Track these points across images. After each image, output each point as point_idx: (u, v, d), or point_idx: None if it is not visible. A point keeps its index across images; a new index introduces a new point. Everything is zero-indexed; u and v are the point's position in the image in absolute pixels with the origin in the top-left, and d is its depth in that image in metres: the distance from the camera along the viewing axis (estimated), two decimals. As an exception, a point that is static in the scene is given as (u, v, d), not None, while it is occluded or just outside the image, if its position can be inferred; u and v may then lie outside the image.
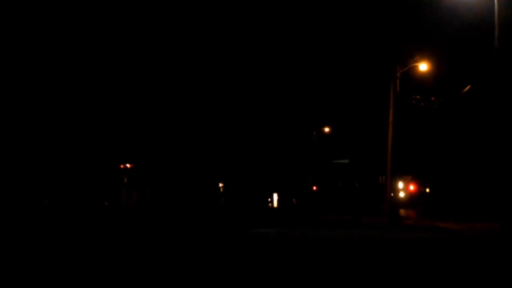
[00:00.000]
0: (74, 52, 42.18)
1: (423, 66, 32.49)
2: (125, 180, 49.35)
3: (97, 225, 29.45)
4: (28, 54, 40.51)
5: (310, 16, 41.96)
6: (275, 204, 56.07)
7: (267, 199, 55.45)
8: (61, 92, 43.02)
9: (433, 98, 36.22)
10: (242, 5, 42.27)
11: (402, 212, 37.75)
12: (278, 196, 55.68)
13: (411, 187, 49.95)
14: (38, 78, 41.31)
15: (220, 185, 59.30)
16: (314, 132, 53.60)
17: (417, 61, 32.47)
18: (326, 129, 52.93)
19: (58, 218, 33.69)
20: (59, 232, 23.95)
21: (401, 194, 49.08)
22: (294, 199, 54.15)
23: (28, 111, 41.61)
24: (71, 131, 44.66)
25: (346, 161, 55.29)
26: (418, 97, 36.09)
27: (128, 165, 49.24)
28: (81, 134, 45.41)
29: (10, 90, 40.33)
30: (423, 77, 33.88)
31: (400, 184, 51.25)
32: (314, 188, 57.36)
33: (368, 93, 39.00)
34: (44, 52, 41.16)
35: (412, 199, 47.65)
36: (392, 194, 35.61)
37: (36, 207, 38.81)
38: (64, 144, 44.78)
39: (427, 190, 57.97)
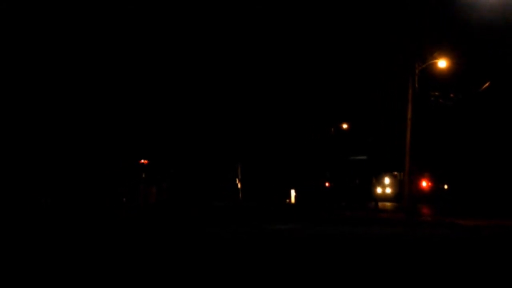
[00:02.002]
0: (84, 52, 42.76)
1: (442, 63, 32.43)
2: (143, 176, 49.93)
3: (115, 221, 29.80)
4: (30, 53, 40.69)
5: (331, 12, 42.11)
6: (292, 200, 56.19)
7: (284, 195, 55.62)
8: (77, 92, 43.48)
9: (452, 95, 36.16)
10: (264, 3, 42.68)
11: (418, 208, 37.74)
12: (295, 192, 55.81)
13: (424, 183, 49.97)
14: (47, 78, 41.67)
15: (237, 181, 59.70)
16: (332, 129, 53.70)
17: (436, 58, 32.46)
18: (344, 126, 52.97)
19: (72, 216, 34.17)
20: (69, 229, 24.39)
21: (388, 190, 49.47)
22: (311, 195, 54.31)
23: (41, 110, 41.93)
24: (90, 131, 45.02)
25: (364, 157, 55.38)
26: (436, 93, 36.03)
27: (144, 161, 49.73)
28: (99, 134, 45.77)
29: (17, 90, 40.59)
30: (442, 74, 33.87)
31: (387, 180, 51.62)
32: (327, 184, 57.47)
33: (386, 89, 39.02)
34: (48, 52, 41.45)
35: (427, 195, 47.68)
36: (409, 191, 35.55)
37: (42, 205, 39.20)
38: (84, 144, 45.11)
39: (446, 186, 57.92)
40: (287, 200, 56.13)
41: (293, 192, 56.24)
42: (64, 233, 22.36)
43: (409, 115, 35.50)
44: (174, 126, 50.56)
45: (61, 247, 17.22)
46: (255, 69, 47.78)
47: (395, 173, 51.59)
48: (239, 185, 59.83)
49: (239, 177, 59.82)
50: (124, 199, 47.19)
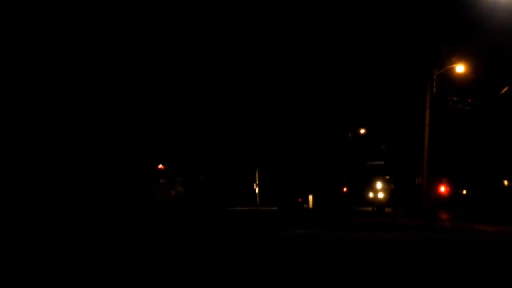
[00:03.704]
0: (93, 53, 42.65)
1: (460, 68, 32.38)
2: (161, 181, 50.29)
3: (121, 224, 29.96)
4: (32, 53, 40.42)
5: (351, 17, 42.13)
6: (310, 204, 56.28)
7: (302, 200, 55.69)
8: (92, 94, 43.57)
9: (469, 100, 36.01)
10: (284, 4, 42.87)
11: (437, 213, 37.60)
12: (313, 197, 55.88)
13: (442, 189, 49.77)
14: (51, 79, 41.51)
15: (255, 186, 59.84)
16: (350, 134, 53.66)
17: (454, 63, 32.41)
18: (362, 131, 52.92)
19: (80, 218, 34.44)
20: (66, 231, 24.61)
21: (380, 195, 49.46)
22: (329, 200, 54.43)
23: (48, 112, 41.92)
24: (105, 135, 45.07)
25: (381, 162, 55.32)
26: (454, 98, 35.89)
27: (161, 166, 49.98)
28: (115, 138, 45.84)
29: (20, 90, 40.55)
30: (459, 79, 33.76)
31: (378, 185, 51.62)
32: (345, 189, 57.49)
33: (404, 94, 38.92)
34: (52, 51, 41.28)
35: (445, 200, 47.56)
36: (427, 196, 35.45)
37: (42, 205, 39.40)
38: (96, 149, 45.11)
39: (464, 191, 57.71)
40: (305, 205, 56.28)
41: (310, 197, 56.40)
42: (61, 234, 22.50)
43: (427, 121, 35.21)
44: (192, 131, 50.88)
45: (56, 248, 17.37)
46: (274, 74, 48.14)
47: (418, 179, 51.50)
48: (256, 190, 59.98)
49: (257, 181, 59.97)
50: (136, 203, 47.35)
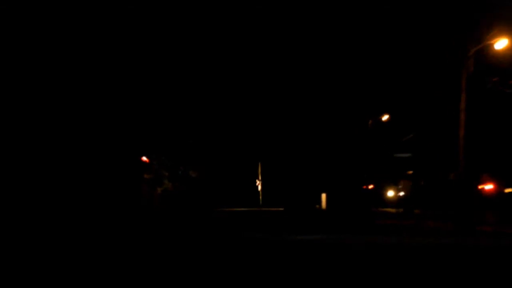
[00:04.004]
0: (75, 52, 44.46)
1: (501, 43, 32.49)
2: (146, 176, 50.63)
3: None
4: (20, 49, 42.30)
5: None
6: (323, 205, 56.50)
7: (313, 200, 55.92)
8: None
9: (512, 82, 36.16)
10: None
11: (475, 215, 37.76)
12: (327, 196, 56.06)
13: (489, 187, 50.01)
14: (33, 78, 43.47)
15: (258, 183, 60.09)
16: (370, 121, 53.72)
17: (493, 38, 32.58)
18: (384, 117, 52.87)
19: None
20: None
21: (406, 194, 49.77)
22: (346, 199, 54.73)
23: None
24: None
25: (409, 155, 55.53)
26: (495, 79, 36.07)
27: (146, 159, 50.39)
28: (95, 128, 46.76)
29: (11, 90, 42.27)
30: (500, 57, 33.84)
31: (403, 182, 51.82)
32: (370, 186, 57.69)
33: (435, 75, 39.00)
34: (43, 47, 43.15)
35: (488, 200, 47.74)
36: (464, 194, 35.46)
37: None
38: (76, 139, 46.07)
39: (508, 190, 57.85)
40: (317, 206, 56.49)
41: (324, 196, 56.60)
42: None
43: (462, 105, 35.13)
44: (182, 117, 51.41)
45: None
46: (283, 55, 48.70)
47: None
48: (259, 187, 60.13)
49: (259, 177, 60.18)
50: (122, 201, 47.86)
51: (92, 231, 28.59)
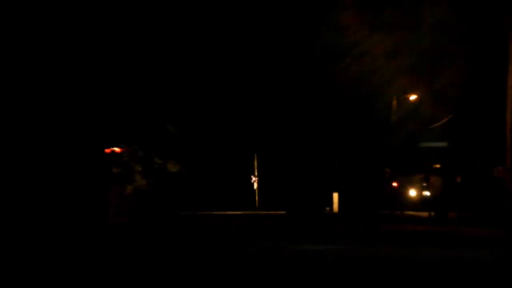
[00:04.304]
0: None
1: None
2: (114, 171, 50.09)
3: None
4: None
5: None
6: (335, 207, 56.39)
7: (323, 201, 55.75)
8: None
9: None
10: None
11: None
12: (340, 196, 55.84)
13: None
14: None
15: (253, 179, 59.83)
16: (395, 101, 53.48)
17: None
18: (412, 97, 52.64)
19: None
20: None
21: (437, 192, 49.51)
22: (364, 200, 54.60)
23: None
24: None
25: (443, 144, 54.96)
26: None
27: (117, 149, 49.99)
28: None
29: None
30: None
31: (425, 178, 51.69)
32: (395, 184, 57.42)
33: (475, 48, 39.69)
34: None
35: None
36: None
37: None
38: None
39: None
40: (327, 208, 56.25)
41: (335, 196, 56.34)
42: None
43: (509, 82, 35.84)
44: (157, 97, 51.51)
45: None
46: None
47: None
48: (255, 185, 60.13)
49: (256, 173, 60.01)
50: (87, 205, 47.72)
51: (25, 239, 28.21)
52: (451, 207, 48.44)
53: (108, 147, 50.41)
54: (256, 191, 60.45)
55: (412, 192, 56.74)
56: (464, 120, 48.58)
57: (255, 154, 59.62)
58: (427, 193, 50.94)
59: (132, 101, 50.94)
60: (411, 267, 20.04)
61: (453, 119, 50.51)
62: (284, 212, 53.86)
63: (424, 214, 50.05)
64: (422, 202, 51.86)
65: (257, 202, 60.47)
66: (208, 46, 52.84)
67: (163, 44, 51.62)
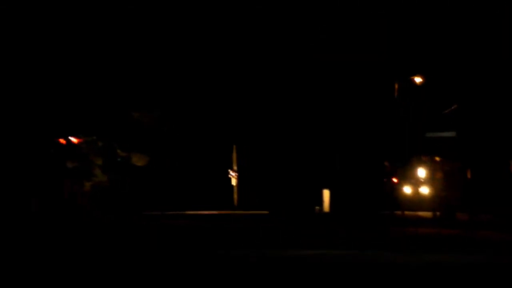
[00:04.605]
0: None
1: None
2: (70, 165, 50.59)
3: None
4: None
5: None
6: (326, 206, 56.71)
7: (312, 199, 56.03)
8: None
9: None
10: None
11: None
12: (331, 193, 56.11)
13: None
14: None
15: (232, 174, 59.97)
16: (397, 85, 53.61)
17: None
18: (417, 80, 52.74)
19: None
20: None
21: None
22: (358, 198, 55.04)
23: None
24: None
25: (452, 134, 55.66)
26: None
27: (74, 140, 50.39)
28: None
29: None
30: None
31: (421, 172, 52.43)
32: (395, 180, 57.89)
33: (486, 24, 39.29)
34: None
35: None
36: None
37: None
38: None
39: None
40: (317, 208, 56.60)
41: (326, 194, 56.69)
42: None
43: None
44: (122, 79, 51.98)
45: None
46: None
47: None
48: (233, 181, 59.85)
49: (234, 167, 59.82)
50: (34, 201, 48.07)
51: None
52: (461, 206, 49.12)
53: (63, 136, 50.83)
54: (235, 187, 60.24)
55: (407, 189, 57.08)
56: (476, 106, 48.99)
57: (234, 146, 59.35)
58: (424, 190, 51.95)
59: (92, 84, 51.20)
60: (415, 275, 20.50)
61: (463, 105, 50.84)
62: (266, 212, 54.60)
63: (428, 214, 50.86)
64: (421, 202, 52.49)
65: (235, 200, 60.30)
66: (187, 32, 53.93)
67: (138, 26, 52.80)
